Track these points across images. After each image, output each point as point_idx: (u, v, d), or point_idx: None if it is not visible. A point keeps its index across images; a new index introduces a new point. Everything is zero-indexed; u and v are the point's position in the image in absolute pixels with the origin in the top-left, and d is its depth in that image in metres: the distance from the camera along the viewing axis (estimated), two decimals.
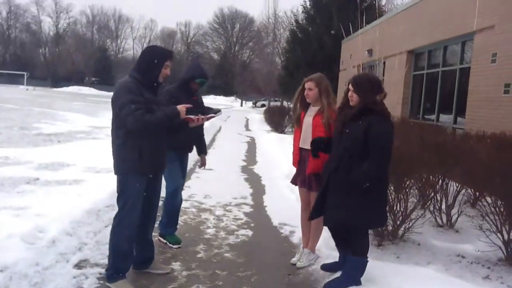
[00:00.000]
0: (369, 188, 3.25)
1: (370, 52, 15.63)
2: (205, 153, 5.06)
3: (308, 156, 4.07)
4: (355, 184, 3.24)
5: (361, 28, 15.05)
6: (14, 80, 70.61)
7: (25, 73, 65.62)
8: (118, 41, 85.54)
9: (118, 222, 3.54)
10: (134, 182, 3.49)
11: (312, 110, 4.18)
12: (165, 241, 4.59)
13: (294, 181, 4.42)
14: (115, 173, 3.59)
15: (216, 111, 3.92)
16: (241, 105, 59.73)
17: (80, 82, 74.21)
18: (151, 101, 3.46)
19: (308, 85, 4.15)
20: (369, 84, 3.35)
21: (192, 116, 3.62)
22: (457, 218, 5.16)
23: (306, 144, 4.15)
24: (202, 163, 5.05)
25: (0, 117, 15.16)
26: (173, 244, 4.55)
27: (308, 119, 4.17)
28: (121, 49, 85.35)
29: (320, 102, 4.10)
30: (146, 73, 3.48)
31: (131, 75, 3.51)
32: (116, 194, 3.60)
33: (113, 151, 3.58)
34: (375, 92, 3.32)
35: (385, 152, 3.22)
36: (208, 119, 3.82)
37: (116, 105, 3.41)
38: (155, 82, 3.53)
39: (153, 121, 3.34)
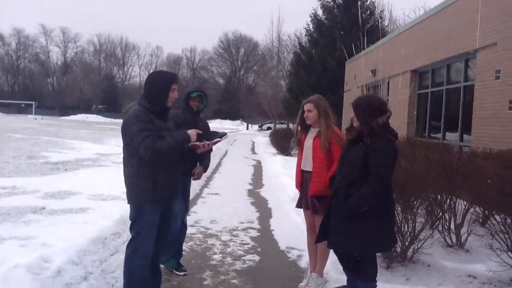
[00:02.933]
0: (372, 213, 3.19)
1: (373, 72, 15.70)
2: (205, 167, 4.77)
3: (310, 178, 4.06)
4: (352, 209, 3.19)
5: (364, 49, 15.15)
6: (22, 109, 71.75)
7: (33, 103, 66.53)
8: (125, 69, 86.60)
9: (133, 251, 3.49)
10: (148, 211, 3.44)
11: (313, 132, 4.20)
12: (169, 268, 4.54)
13: (299, 205, 4.40)
14: (128, 202, 3.54)
15: (222, 135, 3.95)
16: (247, 129, 59.98)
17: (87, 110, 75.01)
18: (161, 128, 3.45)
19: (307, 107, 4.18)
20: (369, 107, 3.32)
21: (198, 143, 3.62)
22: (466, 238, 5.08)
23: (307, 166, 4.15)
24: (197, 174, 4.69)
25: (8, 147, 15.30)
26: (173, 270, 4.49)
27: (308, 141, 4.19)
28: (127, 76, 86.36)
29: (319, 124, 4.11)
30: (154, 100, 3.47)
31: (140, 103, 3.51)
32: (128, 221, 3.56)
33: (125, 179, 3.52)
34: (375, 114, 3.29)
35: (382, 177, 3.17)
36: (214, 144, 3.82)
37: (127, 134, 3.40)
38: (164, 108, 3.52)
39: (164, 148, 3.32)
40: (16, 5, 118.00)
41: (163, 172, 3.42)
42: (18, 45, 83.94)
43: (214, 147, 4.30)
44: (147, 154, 3.28)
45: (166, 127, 3.52)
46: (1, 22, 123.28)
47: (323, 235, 3.51)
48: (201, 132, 3.63)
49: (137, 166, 3.38)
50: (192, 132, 3.50)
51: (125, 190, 3.54)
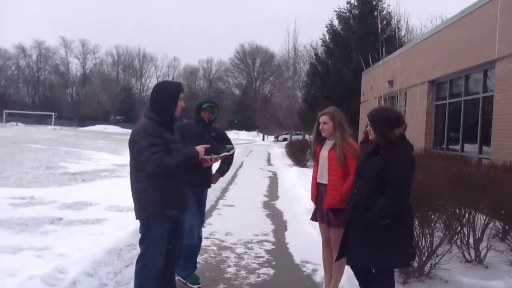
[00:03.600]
0: (391, 225, 3.14)
1: (390, 83, 15.56)
2: (222, 173, 4.84)
3: (325, 191, 4.03)
4: (372, 222, 3.15)
5: (381, 59, 15.07)
6: (42, 120, 73.05)
7: (53, 114, 67.71)
8: (143, 80, 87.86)
9: (142, 265, 3.48)
10: (157, 226, 3.43)
11: (328, 144, 4.17)
12: (184, 281, 4.53)
13: (314, 217, 4.36)
14: (137, 218, 3.53)
15: (230, 149, 3.95)
16: (263, 139, 60.01)
17: (105, 120, 76.05)
18: (170, 140, 3.44)
19: (322, 119, 4.16)
20: (385, 119, 3.29)
21: (206, 157, 3.62)
22: (486, 253, 4.96)
23: (323, 178, 4.13)
24: (214, 177, 4.75)
25: (27, 158, 15.56)
26: (193, 284, 4.48)
27: (324, 154, 4.17)
28: (145, 88, 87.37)
29: (335, 136, 4.09)
30: (163, 111, 3.45)
31: (147, 116, 3.48)
32: (139, 235, 3.58)
33: (133, 194, 3.50)
34: (393, 126, 3.25)
35: (401, 188, 3.13)
36: (222, 158, 3.83)
37: (135, 148, 3.38)
38: (173, 118, 3.52)
39: (172, 164, 3.30)
40: (37, 18, 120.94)
41: (171, 186, 3.41)
42: (38, 56, 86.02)
43: None
44: (155, 170, 3.26)
45: (173, 140, 3.52)
46: (23, 34, 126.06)
47: (343, 252, 3.46)
48: (208, 146, 3.64)
49: (146, 181, 3.36)
50: (200, 149, 3.51)
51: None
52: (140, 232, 3.54)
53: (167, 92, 3.51)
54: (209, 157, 3.65)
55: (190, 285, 4.49)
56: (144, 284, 3.49)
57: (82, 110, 76.87)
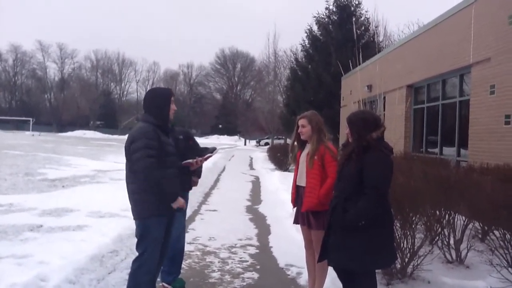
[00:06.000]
0: (370, 226, 3.19)
1: (369, 87, 15.79)
2: (199, 175, 4.91)
3: (304, 193, 4.08)
4: (350, 224, 3.19)
5: (359, 65, 15.27)
6: (20, 126, 71.68)
7: (30, 119, 66.47)
8: (122, 85, 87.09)
9: (139, 266, 3.54)
10: (156, 225, 3.52)
11: (307, 148, 4.23)
12: (170, 287, 4.50)
13: (296, 220, 4.40)
14: (135, 218, 3.60)
15: (212, 150, 4.15)
16: (245, 144, 60.01)
17: (85, 126, 75.07)
18: (167, 143, 3.60)
19: (301, 122, 4.24)
20: (362, 122, 3.35)
21: (190, 161, 3.77)
22: (466, 254, 5.07)
23: (302, 181, 4.18)
24: (194, 181, 4.81)
25: (5, 164, 15.25)
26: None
27: (303, 157, 4.24)
28: (125, 92, 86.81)
29: (311, 139, 4.15)
30: (159, 115, 3.62)
31: (146, 120, 3.61)
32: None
33: (130, 196, 3.60)
34: (370, 129, 3.31)
35: (378, 189, 3.18)
36: (206, 159, 4.00)
37: (131, 148, 3.49)
38: (167, 120, 3.69)
39: (157, 177, 3.40)
40: (14, 22, 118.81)
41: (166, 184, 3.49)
42: (15, 61, 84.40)
43: (210, 162, 4.36)
44: (144, 171, 3.39)
45: (170, 142, 3.68)
46: None
47: (324, 253, 3.49)
48: (191, 161, 3.87)
49: (142, 181, 3.45)
50: (181, 202, 3.58)
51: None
52: (136, 236, 3.59)
53: (160, 95, 3.73)
54: (195, 160, 3.76)
55: None
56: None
57: (61, 115, 75.77)
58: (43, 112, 79.79)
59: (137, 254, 3.59)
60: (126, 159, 3.58)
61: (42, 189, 10.15)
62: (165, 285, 4.51)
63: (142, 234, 3.53)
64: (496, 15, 8.85)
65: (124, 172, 3.69)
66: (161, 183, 3.42)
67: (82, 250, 5.12)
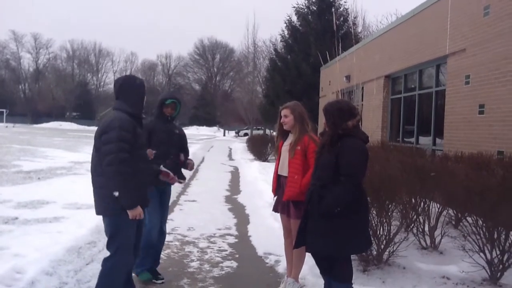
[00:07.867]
0: (346, 213, 3.24)
1: (348, 78, 15.93)
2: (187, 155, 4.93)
3: (286, 183, 4.11)
4: (326, 210, 3.24)
5: (338, 55, 15.38)
6: None
7: (4, 110, 64.86)
8: (99, 75, 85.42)
9: (112, 266, 3.35)
10: (126, 223, 3.30)
11: (290, 138, 4.24)
12: (144, 280, 4.46)
13: (275, 209, 4.43)
14: (102, 214, 3.37)
15: (182, 179, 4.67)
16: (224, 135, 59.90)
17: (61, 117, 73.62)
18: (141, 135, 3.45)
19: (283, 112, 4.25)
20: (337, 111, 3.39)
21: (170, 173, 4.19)
22: (440, 240, 5.19)
23: (283, 171, 4.20)
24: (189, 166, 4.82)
25: None
26: (146, 281, 4.40)
27: (285, 147, 4.25)
28: (102, 83, 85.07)
29: (294, 129, 4.17)
30: (136, 104, 3.45)
31: (120, 108, 3.39)
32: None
33: (95, 190, 3.38)
34: (345, 118, 3.35)
35: (353, 177, 3.23)
36: (177, 181, 4.45)
37: (102, 138, 3.26)
38: (142, 110, 3.55)
39: (128, 173, 3.20)
40: None
41: (136, 178, 3.33)
42: None
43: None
44: (112, 166, 3.16)
45: (142, 135, 3.55)
46: None
47: (300, 240, 3.53)
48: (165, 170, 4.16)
49: (112, 175, 3.24)
50: (139, 211, 3.38)
51: None
52: (107, 234, 3.41)
53: (136, 85, 3.54)
54: (172, 176, 4.26)
55: (154, 280, 4.44)
56: (111, 287, 3.38)
57: (36, 106, 74.08)
58: (18, 103, 77.80)
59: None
60: (94, 149, 3.37)
61: (17, 181, 9.96)
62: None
63: (113, 232, 3.33)
64: (472, 6, 8.99)
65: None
66: (127, 186, 3.20)
67: (59, 241, 5.08)
